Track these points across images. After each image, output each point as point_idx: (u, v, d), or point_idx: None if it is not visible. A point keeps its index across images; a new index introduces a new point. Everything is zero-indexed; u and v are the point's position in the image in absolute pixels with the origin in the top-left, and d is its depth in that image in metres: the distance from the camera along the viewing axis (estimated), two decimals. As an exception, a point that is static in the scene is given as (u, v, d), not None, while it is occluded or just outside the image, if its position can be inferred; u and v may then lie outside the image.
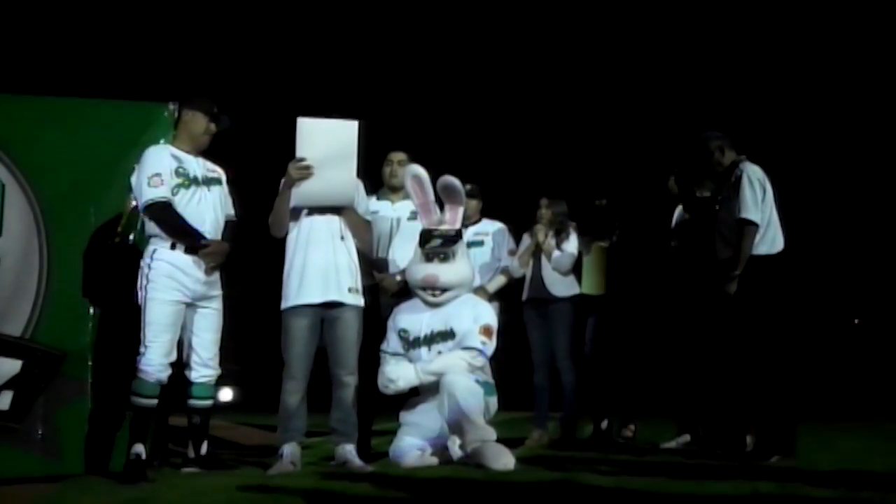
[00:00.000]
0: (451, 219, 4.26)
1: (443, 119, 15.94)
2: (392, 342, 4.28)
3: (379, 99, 16.08)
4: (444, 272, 4.17)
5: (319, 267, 4.05)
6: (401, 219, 4.76)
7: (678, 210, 5.31)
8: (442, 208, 4.32)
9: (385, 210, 4.84)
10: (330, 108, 4.38)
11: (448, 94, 16.41)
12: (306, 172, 3.94)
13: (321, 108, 4.36)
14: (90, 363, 4.22)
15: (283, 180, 4.08)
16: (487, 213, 5.59)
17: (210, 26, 14.88)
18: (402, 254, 4.63)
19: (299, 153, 3.95)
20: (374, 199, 4.89)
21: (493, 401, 4.16)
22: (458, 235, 4.24)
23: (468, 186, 5.33)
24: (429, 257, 4.20)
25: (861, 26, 14.65)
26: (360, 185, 4.28)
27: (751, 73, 15.55)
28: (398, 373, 4.09)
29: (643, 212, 5.88)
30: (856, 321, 18.86)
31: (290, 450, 3.98)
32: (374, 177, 4.87)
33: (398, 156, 4.82)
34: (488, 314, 4.20)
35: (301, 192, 4.00)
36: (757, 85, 15.70)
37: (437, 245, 4.19)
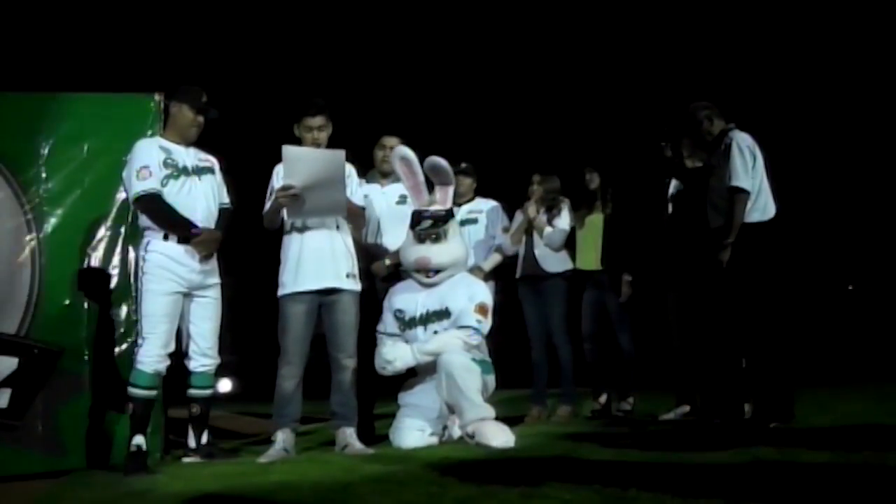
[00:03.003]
0: (441, 199, 4.26)
1: (435, 97, 15.88)
2: (388, 323, 4.28)
3: (371, 79, 16.02)
4: (436, 253, 4.16)
5: (316, 254, 4.06)
6: (389, 203, 4.76)
7: (674, 181, 5.30)
8: (431, 189, 4.31)
9: (374, 194, 4.83)
10: (322, 92, 4.36)
11: (440, 73, 16.34)
12: (293, 200, 3.91)
13: (313, 93, 4.34)
14: (87, 358, 4.22)
15: (271, 198, 4.07)
16: (482, 191, 5.58)
17: (200, 13, 14.76)
18: (391, 238, 4.64)
19: (286, 180, 3.91)
20: (363, 182, 4.88)
21: (491, 379, 4.17)
22: (448, 215, 4.23)
23: (462, 165, 5.35)
24: (421, 238, 4.20)
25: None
26: (353, 172, 4.26)
27: (739, 41, 15.50)
28: (395, 353, 4.09)
29: (636, 185, 5.87)
30: (849, 287, 18.95)
31: (283, 436, 3.99)
32: (363, 161, 4.86)
33: (391, 140, 4.81)
34: (483, 293, 4.21)
35: (292, 212, 4.00)
36: (746, 53, 15.66)
37: (427, 226, 4.18)
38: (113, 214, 4.36)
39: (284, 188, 3.89)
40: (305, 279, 4.04)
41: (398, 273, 4.59)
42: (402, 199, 4.65)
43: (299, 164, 3.91)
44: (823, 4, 14.70)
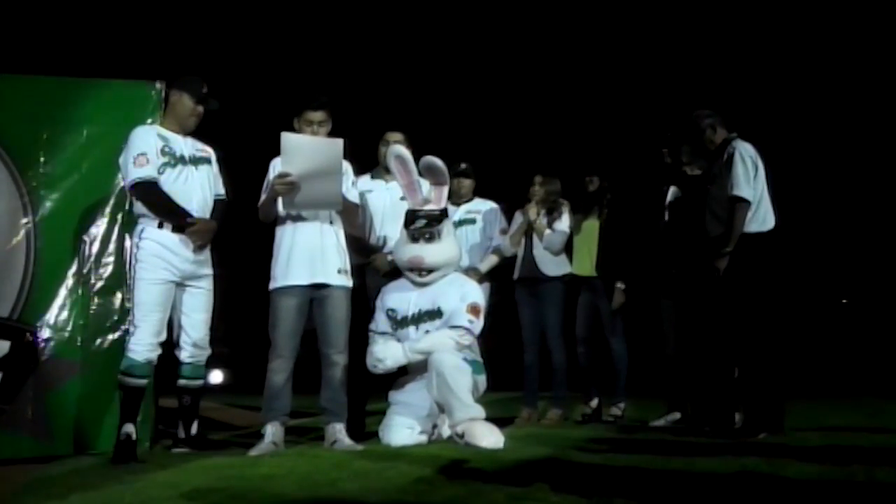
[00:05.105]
0: (436, 198, 4.25)
1: (437, 97, 15.88)
2: (380, 322, 4.28)
3: (374, 78, 16.01)
4: (429, 253, 4.16)
5: (307, 249, 4.04)
6: (393, 199, 4.75)
7: (672, 188, 5.31)
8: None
9: (379, 189, 4.85)
10: (323, 88, 4.35)
11: (443, 72, 16.34)
12: (290, 188, 3.89)
13: (313, 88, 4.33)
14: (79, 344, 4.21)
15: (268, 189, 4.06)
16: (482, 192, 5.57)
17: (200, 3, 14.74)
18: (394, 234, 4.63)
19: (283, 168, 3.89)
20: (367, 177, 4.89)
21: (482, 379, 4.17)
22: (442, 215, 4.23)
23: (462, 166, 5.35)
24: (414, 238, 4.20)
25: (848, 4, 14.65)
26: (349, 169, 4.25)
27: (742, 51, 15.52)
28: (386, 352, 4.09)
29: (634, 190, 5.88)
30: (843, 301, 19.01)
31: (272, 429, 3.97)
32: (366, 156, 4.86)
33: (395, 136, 4.81)
34: (475, 293, 4.20)
35: (288, 202, 3.99)
36: (748, 63, 15.68)
37: (421, 225, 4.18)
38: (111, 201, 4.35)
39: (281, 176, 3.89)
40: (296, 273, 4.03)
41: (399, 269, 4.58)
42: None
43: (297, 152, 3.90)
44: (827, 18, 14.72)
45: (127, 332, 3.97)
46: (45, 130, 4.29)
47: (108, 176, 4.31)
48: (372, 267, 4.72)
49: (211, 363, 4.24)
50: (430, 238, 4.18)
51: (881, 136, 15.38)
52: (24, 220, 4.21)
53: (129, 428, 3.77)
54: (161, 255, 3.87)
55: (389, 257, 4.61)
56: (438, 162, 4.19)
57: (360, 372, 4.27)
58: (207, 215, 4.03)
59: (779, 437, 4.01)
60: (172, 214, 3.91)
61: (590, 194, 5.69)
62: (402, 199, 4.47)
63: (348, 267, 4.18)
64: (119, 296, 4.27)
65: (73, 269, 4.26)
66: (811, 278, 15.69)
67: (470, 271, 5.04)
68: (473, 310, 4.10)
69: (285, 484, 2.70)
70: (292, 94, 4.35)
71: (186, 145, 4.05)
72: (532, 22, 16.59)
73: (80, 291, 4.25)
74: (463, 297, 4.13)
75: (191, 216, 3.94)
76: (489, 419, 3.91)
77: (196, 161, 4.05)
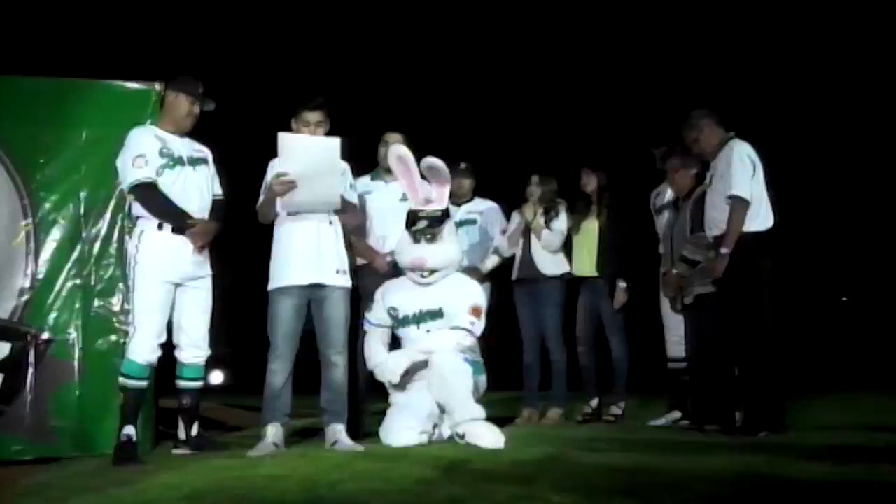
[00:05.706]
0: (438, 199, 4.25)
1: (437, 98, 15.89)
2: (378, 314, 4.29)
3: (373, 78, 16.02)
4: (431, 254, 4.16)
5: (305, 249, 4.03)
6: (393, 199, 4.75)
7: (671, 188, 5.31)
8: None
9: (378, 190, 4.85)
10: (322, 88, 4.35)
11: (441, 72, 16.35)
12: (289, 187, 3.89)
13: (312, 88, 4.33)
14: (80, 346, 4.21)
15: (266, 189, 4.05)
16: (481, 191, 5.57)
17: (199, 3, 14.75)
18: (394, 234, 4.63)
19: (281, 167, 3.89)
20: (367, 178, 4.89)
21: (483, 379, 4.17)
22: (444, 215, 4.23)
23: (462, 165, 5.35)
24: (416, 238, 4.19)
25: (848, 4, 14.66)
26: (347, 169, 4.24)
27: (739, 50, 15.53)
28: (391, 365, 4.09)
29: (633, 190, 5.87)
30: (843, 299, 19.03)
31: (273, 430, 3.97)
32: (365, 157, 4.85)
33: (394, 136, 4.81)
34: (477, 294, 4.20)
35: (286, 202, 3.98)
36: (746, 62, 15.70)
37: (423, 226, 4.18)
38: (110, 202, 4.35)
39: (279, 176, 3.88)
40: (294, 274, 4.02)
41: (398, 269, 4.57)
42: (406, 196, 4.64)
43: (295, 153, 3.89)
44: (827, 18, 14.73)
45: (127, 333, 3.97)
46: (45, 131, 4.29)
47: (108, 177, 4.30)
48: (371, 268, 4.72)
49: (211, 363, 4.23)
50: (433, 239, 4.18)
51: (881, 135, 15.38)
52: (25, 222, 4.21)
53: (130, 430, 3.77)
54: (161, 256, 3.86)
55: (389, 258, 4.61)
56: (440, 162, 4.19)
57: (360, 372, 4.26)
58: (206, 216, 4.03)
59: (780, 435, 4.01)
60: (172, 216, 3.90)
61: (587, 194, 5.68)
62: (402, 199, 4.47)
63: (347, 267, 4.17)
64: (119, 297, 4.27)
65: (73, 270, 4.26)
66: (811, 276, 15.70)
67: (471, 271, 5.03)
68: (475, 311, 4.10)
69: (286, 485, 2.70)
70: (290, 95, 4.35)
71: (184, 146, 4.04)
72: (531, 22, 16.61)
73: (80, 293, 4.25)
74: (465, 298, 4.13)
75: (190, 217, 3.93)
76: (490, 419, 3.91)
77: (194, 162, 4.04)
